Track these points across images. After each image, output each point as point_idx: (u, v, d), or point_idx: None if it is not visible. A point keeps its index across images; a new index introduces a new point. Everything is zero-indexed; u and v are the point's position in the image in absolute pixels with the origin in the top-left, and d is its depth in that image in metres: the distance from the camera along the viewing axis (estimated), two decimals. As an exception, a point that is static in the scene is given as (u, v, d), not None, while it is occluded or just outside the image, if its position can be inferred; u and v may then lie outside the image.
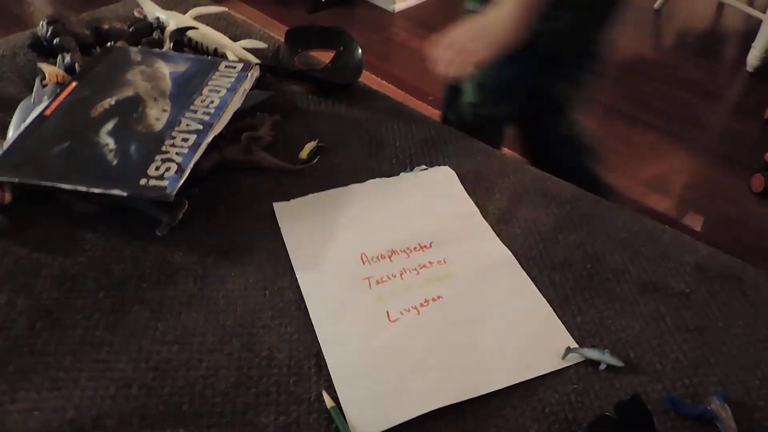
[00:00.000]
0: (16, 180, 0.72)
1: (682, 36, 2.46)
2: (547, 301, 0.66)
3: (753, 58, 2.20)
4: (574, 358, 0.60)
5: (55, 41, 0.96)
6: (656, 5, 2.56)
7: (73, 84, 0.85)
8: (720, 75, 2.23)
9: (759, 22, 2.19)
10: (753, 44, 2.20)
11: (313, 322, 0.62)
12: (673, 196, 1.71)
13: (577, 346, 0.61)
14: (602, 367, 0.59)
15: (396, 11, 2.46)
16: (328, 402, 0.55)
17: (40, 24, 0.99)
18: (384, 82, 2.01)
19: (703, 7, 2.63)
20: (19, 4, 2.41)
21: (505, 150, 1.05)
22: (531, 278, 0.68)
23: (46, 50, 0.99)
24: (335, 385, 0.57)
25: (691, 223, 1.63)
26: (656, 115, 2.00)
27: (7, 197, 0.72)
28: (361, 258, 0.70)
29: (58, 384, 0.56)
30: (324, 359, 0.59)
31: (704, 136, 1.93)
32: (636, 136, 1.90)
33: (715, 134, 1.96)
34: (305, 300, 0.65)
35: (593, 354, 0.59)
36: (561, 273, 0.69)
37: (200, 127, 0.78)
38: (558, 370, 0.59)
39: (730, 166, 1.81)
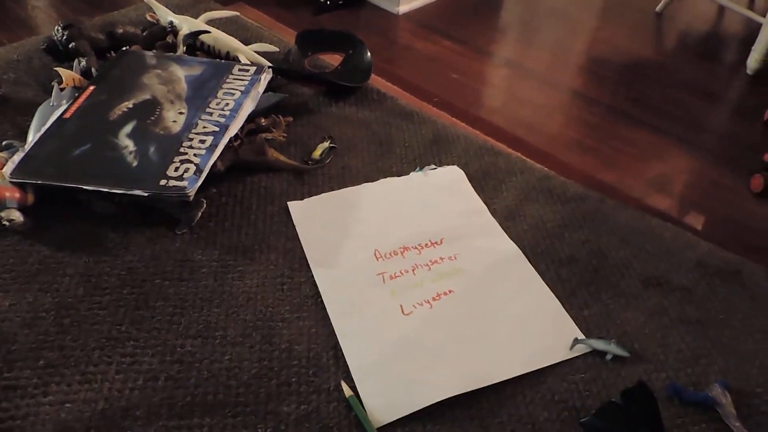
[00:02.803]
0: (39, 181, 0.74)
1: (683, 39, 2.48)
2: (555, 294, 0.68)
3: (753, 61, 2.23)
4: (581, 349, 0.62)
5: (70, 45, 0.99)
6: (658, 8, 2.59)
7: (91, 88, 0.87)
8: (720, 77, 2.25)
9: (759, 25, 2.22)
10: (753, 47, 2.23)
11: (330, 316, 0.65)
12: (674, 196, 1.73)
13: (584, 337, 0.64)
14: (608, 357, 0.61)
15: (400, 13, 2.49)
16: (347, 391, 0.58)
17: (55, 28, 1.01)
18: (389, 83, 2.03)
19: (704, 10, 2.65)
20: (23, 7, 2.43)
21: (511, 151, 1.07)
22: (539, 273, 0.70)
23: (61, 54, 1.01)
24: (353, 376, 0.59)
25: (692, 222, 1.66)
26: (658, 116, 2.02)
27: (30, 198, 0.74)
28: (375, 254, 0.72)
29: (88, 377, 0.58)
30: (341, 351, 0.61)
31: (705, 138, 1.96)
32: (638, 137, 1.93)
33: (715, 135, 1.98)
34: (321, 295, 0.67)
35: (600, 345, 0.62)
36: (568, 268, 0.71)
37: (216, 128, 0.80)
38: (566, 360, 0.61)
39: (730, 166, 1.84)
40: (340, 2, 2.49)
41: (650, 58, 2.33)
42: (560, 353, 0.62)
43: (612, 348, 0.61)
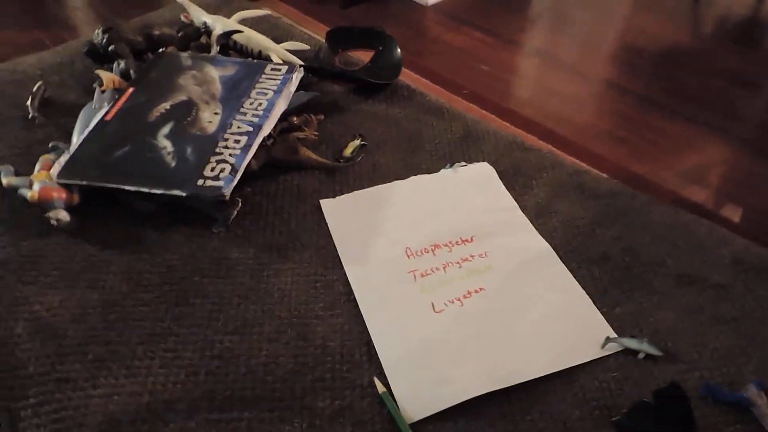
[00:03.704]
0: (85, 182, 0.77)
1: (721, 24, 2.40)
2: (586, 292, 0.68)
3: (795, 45, 2.15)
4: (613, 348, 0.62)
5: (110, 48, 1.02)
6: (693, -8, 2.51)
7: (130, 90, 0.90)
8: (760, 64, 2.17)
9: (801, 7, 2.14)
10: (795, 30, 2.15)
11: (363, 313, 0.66)
12: (710, 188, 1.69)
13: (616, 336, 0.64)
14: (641, 356, 0.61)
15: (429, 4, 2.47)
16: (380, 387, 0.59)
17: (96, 32, 1.05)
18: (418, 76, 2.03)
19: (743, -7, 2.56)
20: (62, 7, 2.50)
21: (542, 144, 1.06)
22: (570, 271, 0.70)
23: (101, 57, 1.05)
24: (386, 372, 0.61)
25: (729, 214, 1.62)
26: (694, 105, 1.97)
27: (76, 198, 0.77)
28: (406, 252, 0.73)
29: (133, 371, 0.61)
30: (374, 348, 0.63)
31: (743, 127, 1.90)
32: (673, 127, 1.88)
33: (754, 125, 1.92)
34: (354, 292, 0.68)
35: (632, 343, 0.62)
36: (599, 266, 0.71)
37: (250, 128, 0.82)
38: (598, 359, 0.62)
39: (770, 156, 1.78)
40: (368, -6, 2.49)
41: (686, 45, 2.26)
42: (592, 352, 0.62)
43: (644, 347, 0.61)
